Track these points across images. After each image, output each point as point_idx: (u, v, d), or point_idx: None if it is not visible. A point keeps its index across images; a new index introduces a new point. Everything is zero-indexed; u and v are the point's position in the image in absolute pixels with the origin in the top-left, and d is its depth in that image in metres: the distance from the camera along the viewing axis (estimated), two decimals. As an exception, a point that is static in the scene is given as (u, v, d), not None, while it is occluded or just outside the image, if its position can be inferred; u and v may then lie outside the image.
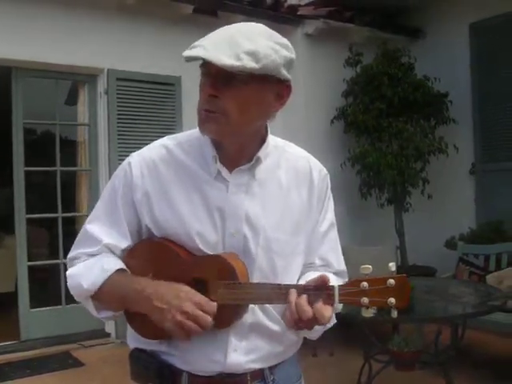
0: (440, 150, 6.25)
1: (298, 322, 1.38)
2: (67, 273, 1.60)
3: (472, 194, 6.75)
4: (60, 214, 5.99)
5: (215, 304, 1.42)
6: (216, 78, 1.41)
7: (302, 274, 1.63)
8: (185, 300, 1.40)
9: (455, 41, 6.82)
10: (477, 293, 4.38)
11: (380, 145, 6.30)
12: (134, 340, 1.61)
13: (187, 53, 1.39)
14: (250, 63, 1.37)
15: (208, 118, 1.44)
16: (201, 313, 1.39)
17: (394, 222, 6.52)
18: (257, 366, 1.55)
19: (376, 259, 5.44)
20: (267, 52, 1.40)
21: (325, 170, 1.68)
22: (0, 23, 5.24)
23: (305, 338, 1.67)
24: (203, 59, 1.37)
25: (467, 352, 4.84)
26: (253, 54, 1.38)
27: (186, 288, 1.43)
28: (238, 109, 1.43)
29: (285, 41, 1.47)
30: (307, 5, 6.95)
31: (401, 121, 6.23)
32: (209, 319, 1.40)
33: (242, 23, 1.50)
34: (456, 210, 6.71)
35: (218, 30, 1.45)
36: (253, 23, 1.49)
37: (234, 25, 1.48)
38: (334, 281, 1.57)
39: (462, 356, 4.39)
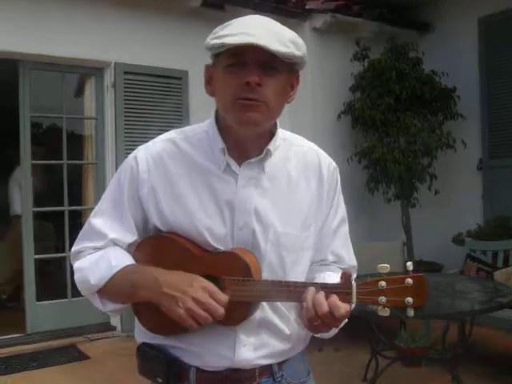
0: (448, 145, 6.22)
1: (314, 320, 1.36)
2: (74, 266, 1.59)
3: (479, 190, 6.72)
4: (66, 208, 6.00)
5: (227, 296, 1.40)
6: (257, 65, 1.40)
7: (316, 272, 1.61)
8: (198, 288, 1.38)
9: (463, 35, 6.78)
10: (485, 289, 4.36)
11: (388, 140, 6.28)
12: (141, 335, 1.60)
13: (236, 40, 1.36)
14: (296, 51, 1.41)
15: (251, 106, 1.41)
16: (213, 302, 1.38)
17: (401, 217, 6.49)
18: (265, 361, 1.55)
19: (383, 254, 5.46)
20: (301, 41, 1.45)
21: (334, 164, 1.67)
22: (7, 17, 5.24)
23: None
24: (258, 46, 1.34)
25: (474, 348, 4.82)
26: (294, 42, 1.42)
27: (201, 278, 1.41)
28: (275, 97, 1.44)
29: None
30: (315, -1, 6.92)
31: (408, 116, 6.20)
32: (221, 310, 1.38)
33: (256, 16, 1.49)
34: (463, 205, 6.69)
35: (245, 20, 1.44)
36: (261, 16, 1.49)
37: (255, 16, 1.47)
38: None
39: (469, 352, 4.37)
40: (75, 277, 1.58)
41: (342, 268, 1.65)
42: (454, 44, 6.82)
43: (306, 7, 6.65)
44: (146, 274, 1.46)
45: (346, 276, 1.38)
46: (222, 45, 1.39)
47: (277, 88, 1.43)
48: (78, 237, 1.62)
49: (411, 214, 6.50)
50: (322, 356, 4.98)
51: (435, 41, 7.07)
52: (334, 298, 1.35)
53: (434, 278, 4.80)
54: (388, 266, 1.36)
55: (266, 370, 1.56)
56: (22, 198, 5.78)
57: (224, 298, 1.40)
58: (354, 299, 1.36)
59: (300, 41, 1.45)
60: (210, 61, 1.52)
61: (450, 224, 6.39)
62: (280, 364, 1.59)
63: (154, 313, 1.49)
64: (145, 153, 1.56)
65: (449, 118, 6.49)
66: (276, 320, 1.54)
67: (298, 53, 1.41)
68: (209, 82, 1.52)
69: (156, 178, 1.53)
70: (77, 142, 6.36)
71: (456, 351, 4.22)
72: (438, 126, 6.37)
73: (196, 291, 1.38)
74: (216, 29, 1.45)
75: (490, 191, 6.62)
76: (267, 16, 1.50)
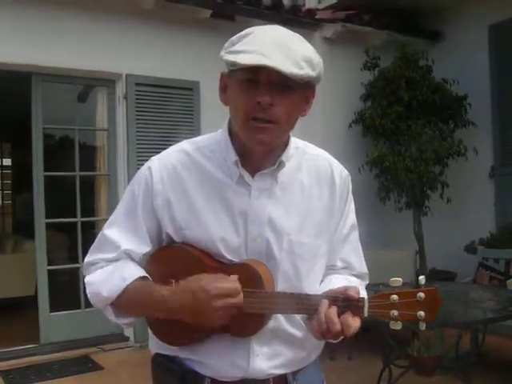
0: (459, 153, 6.20)
1: (326, 334, 1.37)
2: (86, 280, 1.59)
3: (492, 198, 6.69)
4: (79, 219, 6.04)
5: (236, 280, 1.40)
6: (270, 85, 1.39)
7: (325, 276, 1.62)
8: (211, 299, 1.37)
9: (474, 43, 6.77)
10: (497, 298, 4.33)
11: (398, 148, 6.27)
12: (156, 346, 1.61)
13: (249, 60, 1.35)
14: (310, 71, 1.39)
15: (263, 128, 1.42)
16: (233, 301, 1.38)
17: (413, 225, 6.47)
18: (280, 371, 1.55)
19: (395, 263, 5.44)
20: (317, 59, 1.43)
21: (346, 172, 1.67)
22: (20, 29, 5.30)
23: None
24: (270, 68, 1.33)
25: (487, 357, 4.79)
26: (309, 62, 1.40)
27: (204, 283, 1.40)
28: (287, 116, 1.44)
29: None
30: (325, 9, 6.94)
31: (419, 124, 6.19)
32: (241, 301, 1.39)
33: (275, 28, 1.48)
34: (475, 213, 6.65)
35: (262, 34, 1.42)
36: (279, 27, 1.48)
37: (273, 29, 1.46)
38: (357, 284, 1.56)
39: (482, 361, 4.34)
40: (87, 291, 1.58)
41: (352, 274, 1.66)
42: (464, 52, 6.81)
43: (317, 17, 6.68)
44: (156, 297, 1.45)
45: (355, 291, 1.38)
46: (235, 63, 1.38)
47: (290, 106, 1.43)
48: (91, 248, 1.62)
49: (423, 222, 6.48)
50: (335, 365, 4.97)
51: (445, 49, 7.07)
52: (346, 317, 1.35)
53: (446, 286, 4.78)
54: (400, 279, 1.36)
55: (281, 379, 1.56)
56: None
57: (236, 289, 1.39)
58: (366, 313, 1.36)
59: (316, 58, 1.43)
60: (220, 70, 1.52)
61: (463, 232, 6.36)
62: (294, 373, 1.59)
63: (167, 325, 1.50)
64: (159, 164, 1.56)
65: (460, 126, 6.48)
66: (289, 329, 1.54)
67: (312, 73, 1.40)
68: (223, 90, 1.51)
69: (170, 189, 1.53)
70: (89, 153, 6.40)
71: (469, 360, 4.19)
72: (450, 133, 6.36)
73: (213, 305, 1.37)
74: (233, 38, 1.44)
75: (502, 199, 6.59)
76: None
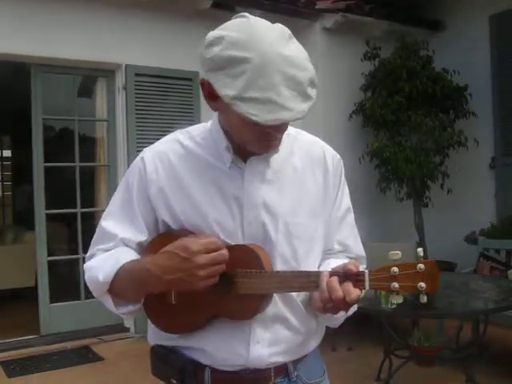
0: (460, 143, 6.19)
1: (327, 302, 1.37)
2: (84, 266, 1.60)
3: (492, 189, 6.68)
4: (79, 210, 6.04)
5: (213, 236, 1.44)
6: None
7: (323, 260, 1.62)
8: (192, 256, 1.37)
9: (475, 33, 6.75)
10: (498, 288, 4.34)
11: (399, 139, 6.26)
12: (155, 337, 1.61)
13: (269, 119, 1.29)
14: (314, 93, 1.36)
15: (272, 144, 1.47)
16: (215, 254, 1.39)
17: (414, 216, 6.47)
18: (280, 359, 1.54)
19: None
20: (313, 69, 1.38)
21: (338, 156, 1.68)
22: (19, 21, 5.28)
23: (325, 332, 1.66)
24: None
25: (488, 348, 4.79)
26: (312, 83, 1.36)
27: (180, 244, 1.40)
28: (288, 126, 1.46)
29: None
30: (325, -2, 6.91)
31: (420, 114, 6.18)
32: (225, 253, 1.39)
33: (269, 42, 1.32)
34: (476, 204, 6.65)
35: (263, 67, 1.29)
36: (271, 27, 1.38)
37: (269, 52, 1.31)
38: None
39: (483, 352, 4.34)
40: (85, 276, 1.59)
41: (349, 257, 1.66)
42: (465, 42, 6.80)
43: (316, 7, 6.64)
44: (141, 270, 1.45)
45: (354, 265, 1.40)
46: (256, 122, 1.31)
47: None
48: (92, 242, 1.63)
49: (424, 213, 6.48)
50: (336, 355, 4.98)
51: (446, 39, 7.05)
52: (348, 284, 1.36)
53: (447, 277, 4.77)
54: (399, 252, 1.37)
55: (282, 369, 1.56)
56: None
57: (214, 242, 1.40)
58: (367, 286, 1.37)
59: (314, 72, 1.37)
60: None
61: (463, 223, 6.36)
62: (295, 363, 1.59)
63: (165, 311, 1.50)
64: (151, 154, 1.58)
65: (460, 117, 6.47)
66: (289, 314, 1.54)
67: (315, 93, 1.36)
68: (211, 98, 1.43)
69: (164, 177, 1.54)
70: (89, 144, 6.40)
71: (470, 350, 4.19)
72: (450, 124, 6.35)
73: (195, 260, 1.37)
74: (219, 59, 1.32)
75: (503, 189, 6.59)
76: (278, 17, 1.46)
